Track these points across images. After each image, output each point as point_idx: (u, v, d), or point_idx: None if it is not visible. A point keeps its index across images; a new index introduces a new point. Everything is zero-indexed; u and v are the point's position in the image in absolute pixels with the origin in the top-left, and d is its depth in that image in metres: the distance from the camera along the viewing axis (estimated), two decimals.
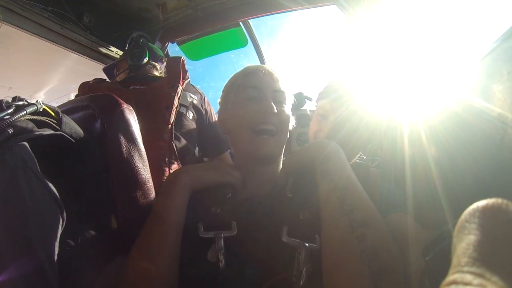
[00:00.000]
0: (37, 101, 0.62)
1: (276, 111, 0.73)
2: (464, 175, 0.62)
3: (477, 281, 0.20)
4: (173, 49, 2.13)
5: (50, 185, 0.57)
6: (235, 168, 0.77)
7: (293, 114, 0.82)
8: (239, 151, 0.80)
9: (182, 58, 1.31)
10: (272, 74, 0.79)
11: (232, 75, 0.84)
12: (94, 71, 1.89)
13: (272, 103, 0.73)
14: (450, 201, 0.59)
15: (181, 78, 1.27)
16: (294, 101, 0.86)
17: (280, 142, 0.76)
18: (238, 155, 0.81)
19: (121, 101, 0.80)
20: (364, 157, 1.06)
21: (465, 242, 0.23)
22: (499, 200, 0.24)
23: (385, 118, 0.99)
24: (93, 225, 0.69)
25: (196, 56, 2.17)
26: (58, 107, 0.71)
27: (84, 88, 1.36)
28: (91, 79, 1.40)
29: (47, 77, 2.26)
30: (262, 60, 2.26)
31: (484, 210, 0.25)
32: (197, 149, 1.48)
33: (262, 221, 0.63)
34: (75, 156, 0.69)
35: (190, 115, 1.30)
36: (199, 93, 1.39)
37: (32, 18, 1.41)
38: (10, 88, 2.29)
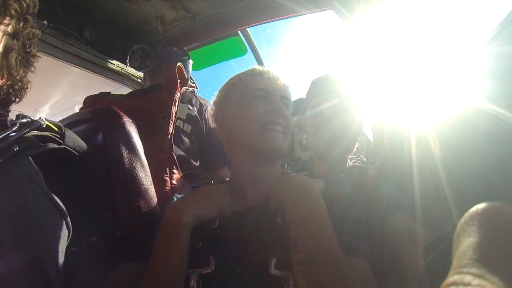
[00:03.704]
0: (40, 118, 0.63)
1: (285, 113, 0.74)
2: (470, 174, 0.62)
3: (476, 281, 0.20)
4: None
5: (56, 198, 0.58)
6: (228, 187, 0.75)
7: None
8: (243, 149, 0.76)
9: (178, 64, 1.29)
10: (279, 79, 0.80)
11: (235, 74, 0.83)
12: (98, 84, 1.92)
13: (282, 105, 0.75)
14: (457, 200, 0.59)
15: (178, 84, 1.25)
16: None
17: (287, 140, 0.76)
18: (240, 155, 0.77)
19: (122, 113, 0.82)
20: (365, 159, 1.06)
21: (465, 244, 0.24)
22: (499, 203, 0.25)
23: (392, 121, 0.99)
24: (97, 234, 0.69)
25: (196, 66, 2.19)
26: (61, 121, 0.73)
27: (89, 101, 1.38)
28: (95, 92, 1.42)
29: (51, 91, 2.30)
30: None
31: (484, 213, 0.25)
32: None
33: (258, 240, 0.63)
34: (78, 168, 0.70)
35: (188, 128, 1.30)
36: (200, 102, 1.39)
37: None
38: None
